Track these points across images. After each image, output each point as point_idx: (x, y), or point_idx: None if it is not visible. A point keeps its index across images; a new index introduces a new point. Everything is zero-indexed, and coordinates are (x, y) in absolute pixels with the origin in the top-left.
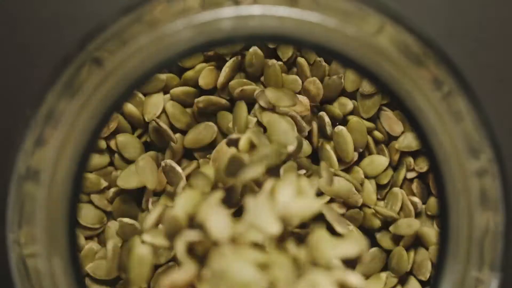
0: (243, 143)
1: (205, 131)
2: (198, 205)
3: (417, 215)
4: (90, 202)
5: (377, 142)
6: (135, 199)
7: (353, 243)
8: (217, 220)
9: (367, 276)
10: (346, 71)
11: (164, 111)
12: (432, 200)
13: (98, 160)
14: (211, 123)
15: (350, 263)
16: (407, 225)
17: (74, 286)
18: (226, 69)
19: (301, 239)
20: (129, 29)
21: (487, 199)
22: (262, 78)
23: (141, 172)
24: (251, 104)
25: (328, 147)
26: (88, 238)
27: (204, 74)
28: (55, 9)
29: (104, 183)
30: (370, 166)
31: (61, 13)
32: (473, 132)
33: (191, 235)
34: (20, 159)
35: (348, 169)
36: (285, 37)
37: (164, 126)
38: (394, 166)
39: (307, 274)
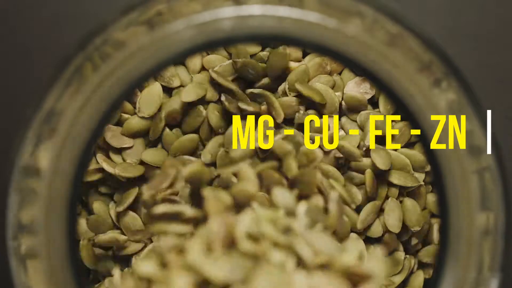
0: None
1: None
2: None
3: None
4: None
5: None
6: None
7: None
8: None
9: None
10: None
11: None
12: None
13: None
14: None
15: None
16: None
17: (74, 286)
18: None
19: None
20: (129, 29)
21: (487, 199)
22: None
23: None
24: None
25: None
26: None
27: None
28: (55, 9)
29: None
30: None
31: (61, 13)
32: (473, 132)
33: None
34: (20, 158)
35: None
36: (285, 37)
37: None
38: None
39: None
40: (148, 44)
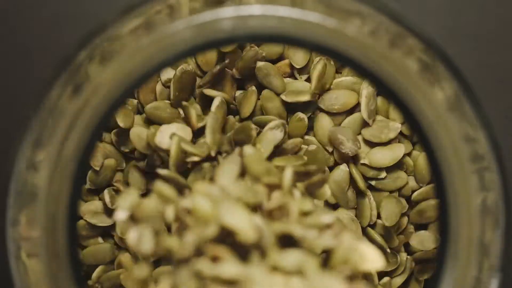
0: None
1: None
2: None
3: None
4: None
5: None
6: None
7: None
8: None
9: None
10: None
11: None
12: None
13: None
14: None
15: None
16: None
17: (74, 286)
18: None
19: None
20: (129, 29)
21: (487, 200)
22: None
23: None
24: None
25: None
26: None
27: None
28: (55, 9)
29: None
30: None
31: (61, 13)
32: (473, 132)
33: None
34: (20, 158)
35: None
36: (285, 37)
37: None
38: None
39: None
40: (148, 44)
